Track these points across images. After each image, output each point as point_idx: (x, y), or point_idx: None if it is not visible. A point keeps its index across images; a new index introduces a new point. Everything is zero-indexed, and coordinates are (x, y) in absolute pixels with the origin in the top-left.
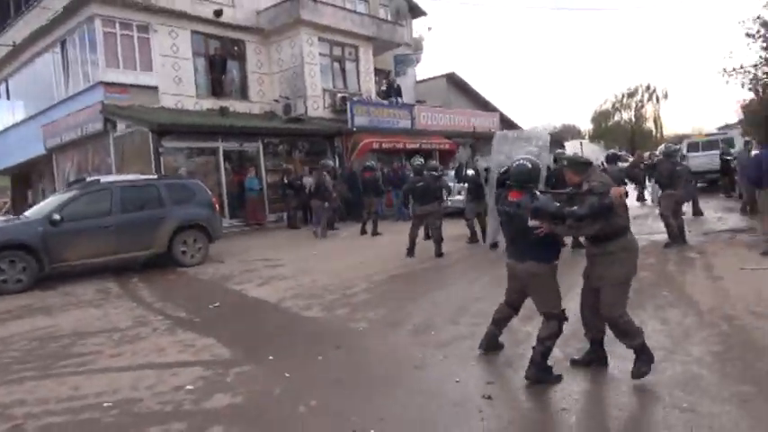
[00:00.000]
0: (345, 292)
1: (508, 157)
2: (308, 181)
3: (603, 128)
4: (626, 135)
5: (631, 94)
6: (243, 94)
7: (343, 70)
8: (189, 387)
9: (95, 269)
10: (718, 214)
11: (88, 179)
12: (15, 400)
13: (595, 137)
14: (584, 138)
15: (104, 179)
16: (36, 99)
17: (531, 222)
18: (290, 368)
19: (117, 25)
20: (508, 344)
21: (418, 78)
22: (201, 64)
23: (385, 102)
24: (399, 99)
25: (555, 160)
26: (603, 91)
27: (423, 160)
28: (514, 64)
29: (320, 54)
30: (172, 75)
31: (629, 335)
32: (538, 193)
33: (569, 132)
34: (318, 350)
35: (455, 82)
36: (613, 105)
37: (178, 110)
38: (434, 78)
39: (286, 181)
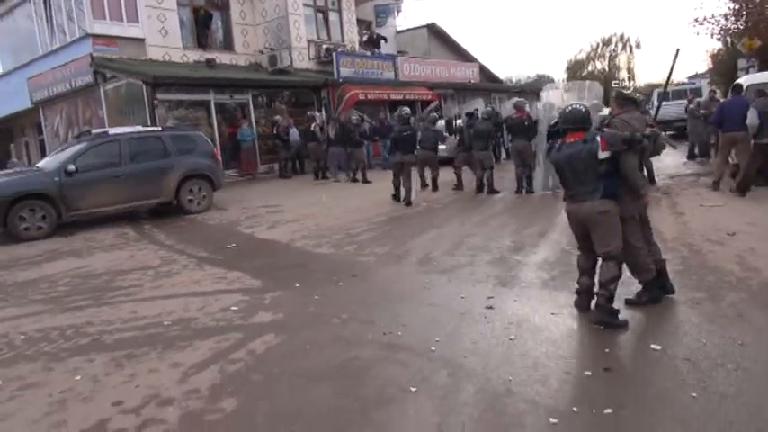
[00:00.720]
0: (349, 233)
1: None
2: (295, 132)
3: (578, 77)
4: (599, 85)
5: (606, 44)
6: (228, 45)
7: (326, 20)
8: (234, 308)
9: (109, 217)
10: (683, 160)
11: (94, 131)
12: (83, 322)
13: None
14: (557, 88)
15: (112, 131)
16: (17, 52)
17: (602, 154)
18: (317, 292)
19: None
20: (501, 269)
21: (398, 29)
22: (186, 15)
23: (368, 53)
24: (381, 51)
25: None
26: (577, 41)
27: (409, 110)
28: (488, 13)
29: (304, 4)
30: (158, 26)
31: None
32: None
33: (544, 83)
34: (337, 278)
35: (435, 32)
36: (588, 55)
37: (166, 62)
38: (415, 29)
39: (276, 132)
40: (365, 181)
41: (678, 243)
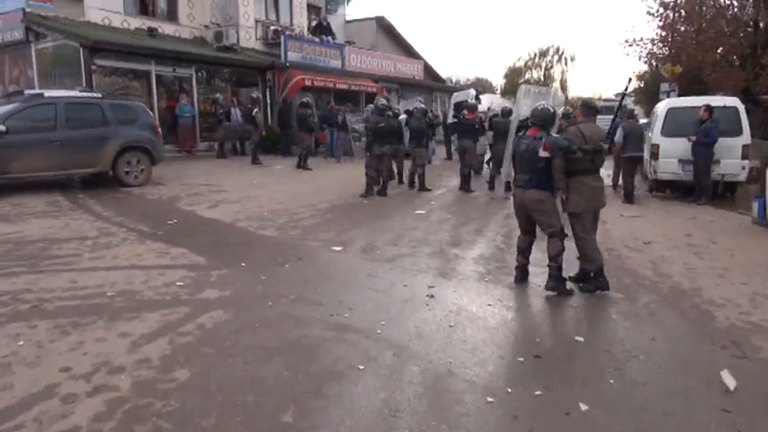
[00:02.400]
0: (293, 218)
1: (528, 108)
2: (235, 112)
3: (515, 84)
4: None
5: (543, 54)
6: (172, 16)
7: (276, 2)
8: (179, 283)
9: (38, 183)
10: (608, 171)
11: (28, 92)
12: (21, 288)
13: (507, 92)
14: (495, 92)
15: (48, 93)
16: None
17: (542, 153)
18: (264, 273)
19: None
20: (440, 261)
21: (347, 18)
22: None
23: (317, 39)
24: (330, 38)
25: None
26: (516, 49)
27: (386, 101)
28: (432, 12)
29: None
30: None
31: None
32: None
33: (482, 86)
34: (283, 260)
35: (384, 26)
36: (526, 63)
37: (105, 26)
38: (363, 20)
39: (220, 111)
40: (305, 167)
41: (601, 249)
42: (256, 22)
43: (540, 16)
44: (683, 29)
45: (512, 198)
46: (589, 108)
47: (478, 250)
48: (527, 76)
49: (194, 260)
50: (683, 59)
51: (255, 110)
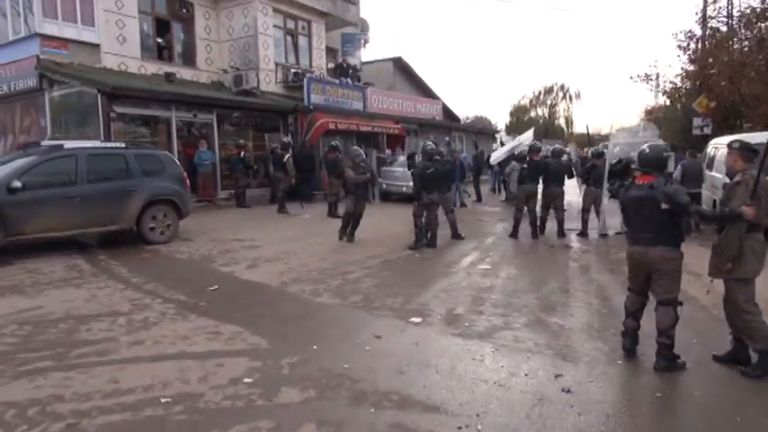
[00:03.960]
0: (346, 278)
1: (622, 149)
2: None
3: (520, 122)
4: (540, 130)
5: (548, 91)
6: (189, 60)
7: (295, 45)
8: (247, 380)
9: (53, 243)
10: None
11: (45, 143)
12: (50, 395)
13: (512, 130)
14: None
15: (68, 144)
16: None
17: (665, 205)
18: (343, 358)
19: None
20: (547, 336)
21: (363, 60)
22: (148, 24)
23: (337, 81)
24: (349, 80)
25: (596, 154)
26: (518, 87)
27: (434, 145)
28: (435, 52)
29: (274, 26)
30: (116, 33)
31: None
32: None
33: (482, 124)
34: (359, 340)
35: (401, 67)
36: (531, 101)
37: (121, 72)
38: (381, 61)
39: (242, 156)
40: (337, 215)
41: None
42: (276, 65)
43: (543, 54)
44: (711, 61)
45: (631, 256)
46: (750, 152)
47: (581, 317)
48: (532, 113)
49: (254, 342)
50: (718, 93)
51: (288, 155)
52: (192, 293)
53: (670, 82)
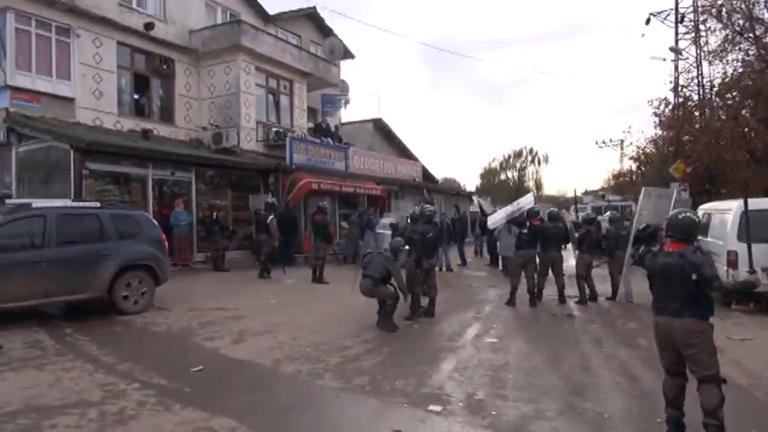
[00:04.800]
0: (345, 355)
1: (650, 214)
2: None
3: (491, 184)
4: (510, 193)
5: (517, 155)
6: (168, 117)
7: (277, 104)
8: None
9: (9, 314)
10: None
11: (11, 201)
12: None
13: (482, 192)
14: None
15: (37, 203)
16: None
17: (694, 275)
18: None
19: (33, 23)
20: (588, 427)
21: (343, 120)
22: (126, 79)
23: (318, 141)
24: (330, 140)
25: (588, 221)
26: (488, 150)
27: (433, 207)
28: (406, 116)
29: (256, 84)
30: (92, 87)
31: None
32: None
33: (451, 186)
34: None
35: (381, 127)
36: (501, 164)
37: (96, 128)
38: (361, 122)
39: (215, 218)
40: (322, 281)
41: (745, 389)
42: (257, 123)
43: (512, 118)
44: (686, 128)
45: (656, 327)
46: None
47: (616, 402)
48: (502, 176)
49: None
50: (695, 158)
51: (271, 217)
52: (174, 376)
53: (638, 147)
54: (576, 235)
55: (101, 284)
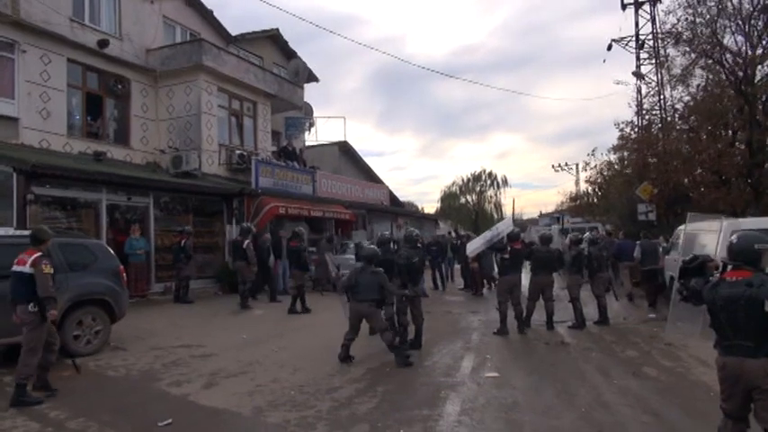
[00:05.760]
0: (335, 398)
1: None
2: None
3: (452, 207)
4: (470, 216)
5: (476, 179)
6: (122, 139)
7: (240, 126)
8: None
9: None
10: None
11: None
12: None
13: (442, 216)
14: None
15: None
16: None
17: None
18: None
19: None
20: None
21: (307, 143)
22: (77, 99)
23: (285, 164)
24: (295, 163)
25: (576, 241)
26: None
27: (418, 231)
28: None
29: (218, 105)
30: (38, 107)
31: None
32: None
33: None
34: None
35: (346, 150)
36: (460, 188)
37: (43, 150)
38: (325, 145)
39: (183, 244)
40: (304, 309)
41: None
42: (220, 146)
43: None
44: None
45: (724, 368)
46: None
47: None
48: (462, 200)
49: None
50: (665, 180)
51: (247, 242)
52: None
53: (599, 169)
54: (567, 257)
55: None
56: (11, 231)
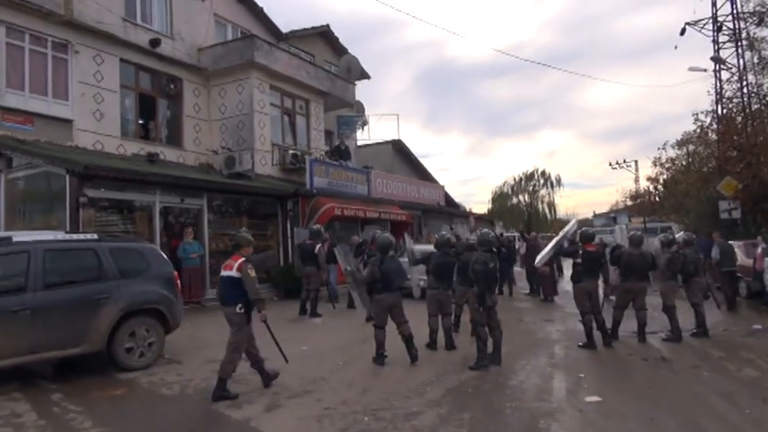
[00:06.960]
0: (415, 425)
1: None
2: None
3: (503, 208)
4: (522, 216)
5: (529, 178)
6: (175, 140)
7: (292, 125)
8: None
9: None
10: None
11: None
12: None
13: (494, 216)
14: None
15: (18, 237)
16: None
17: None
18: None
19: (27, 38)
20: None
21: (359, 143)
22: (130, 100)
23: (337, 163)
24: (348, 162)
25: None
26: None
27: (493, 233)
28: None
29: (271, 104)
30: (92, 108)
31: None
32: None
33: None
34: None
35: (400, 149)
36: (512, 188)
37: (97, 152)
38: (380, 144)
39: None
40: (314, 313)
41: None
42: (273, 145)
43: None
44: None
45: None
46: None
47: None
48: (514, 200)
49: None
50: (755, 172)
51: (318, 246)
52: None
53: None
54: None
55: (98, 336)
56: (60, 235)
